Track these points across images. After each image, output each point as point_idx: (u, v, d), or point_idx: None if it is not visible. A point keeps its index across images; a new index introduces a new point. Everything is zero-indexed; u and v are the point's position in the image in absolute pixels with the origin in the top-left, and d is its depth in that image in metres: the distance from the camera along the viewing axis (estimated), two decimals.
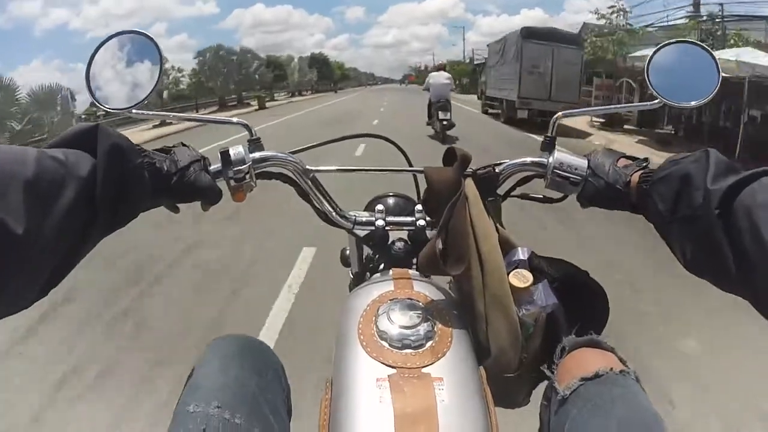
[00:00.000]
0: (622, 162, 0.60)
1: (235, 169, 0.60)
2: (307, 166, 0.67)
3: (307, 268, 2.87)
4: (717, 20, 12.48)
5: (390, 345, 0.51)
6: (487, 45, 15.28)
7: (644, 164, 0.58)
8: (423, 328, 0.52)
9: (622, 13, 13.25)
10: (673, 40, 0.67)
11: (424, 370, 0.49)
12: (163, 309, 2.49)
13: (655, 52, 0.65)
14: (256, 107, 22.11)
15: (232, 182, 0.61)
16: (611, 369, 0.53)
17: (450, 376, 0.49)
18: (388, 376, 0.48)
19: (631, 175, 0.57)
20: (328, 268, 2.54)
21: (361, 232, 0.72)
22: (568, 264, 0.64)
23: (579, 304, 0.62)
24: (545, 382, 0.60)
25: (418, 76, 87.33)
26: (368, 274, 0.76)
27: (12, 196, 0.38)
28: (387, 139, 0.86)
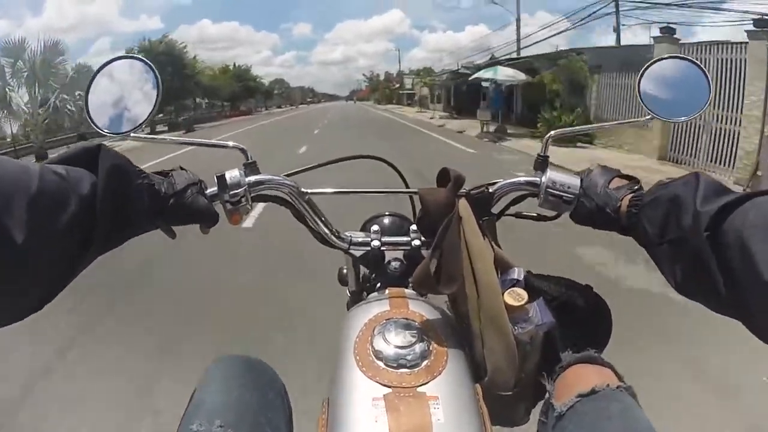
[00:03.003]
0: (615, 183, 0.60)
1: (232, 192, 0.61)
2: (303, 189, 0.67)
3: None
4: None
5: (386, 364, 0.51)
6: None
7: (635, 187, 0.58)
8: (418, 348, 0.53)
9: None
10: (664, 56, 0.67)
11: (419, 389, 0.49)
12: None
13: (645, 69, 0.66)
14: None
15: (228, 205, 0.62)
16: (608, 385, 0.53)
17: (445, 395, 0.49)
18: (384, 395, 0.48)
19: (622, 199, 0.57)
20: None
21: (357, 252, 0.73)
22: (569, 281, 0.64)
23: (580, 320, 0.62)
24: (544, 400, 0.59)
25: (375, 88, 64.21)
26: (365, 293, 0.76)
27: (16, 208, 0.38)
28: (385, 161, 0.86)
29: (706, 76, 0.64)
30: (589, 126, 0.78)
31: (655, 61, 0.67)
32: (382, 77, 65.63)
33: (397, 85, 50.62)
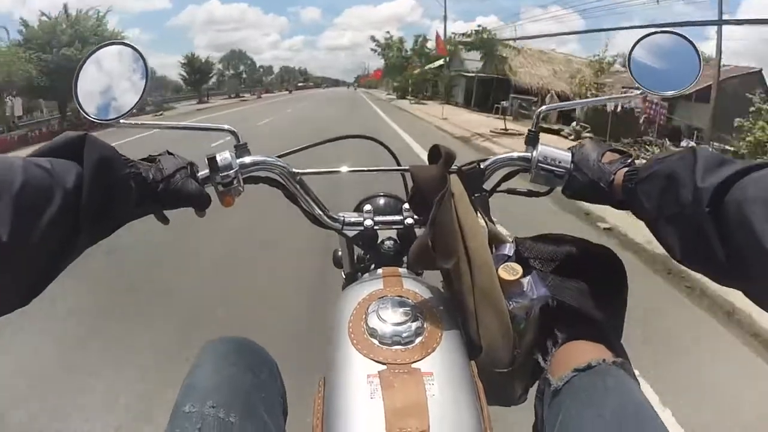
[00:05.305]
0: (608, 156, 0.59)
1: (223, 174, 0.61)
2: (294, 169, 0.67)
3: None
4: None
5: (380, 342, 0.51)
6: None
7: (629, 161, 0.57)
8: (413, 325, 0.53)
9: None
10: (653, 31, 0.67)
11: (414, 365, 0.49)
12: None
13: (636, 43, 0.66)
14: None
15: (220, 187, 0.62)
16: (604, 360, 0.54)
17: (440, 371, 0.49)
18: (379, 372, 0.48)
19: (615, 173, 0.57)
20: None
21: (351, 233, 0.73)
22: (579, 240, 0.62)
23: (593, 277, 0.60)
24: (541, 377, 0.59)
25: (398, 66, 29.21)
26: (360, 274, 0.76)
27: (0, 204, 0.38)
28: (377, 140, 0.86)
29: (696, 50, 0.64)
30: (580, 101, 0.78)
31: (643, 37, 0.67)
32: (408, 45, 30.48)
33: (437, 63, 22.89)
